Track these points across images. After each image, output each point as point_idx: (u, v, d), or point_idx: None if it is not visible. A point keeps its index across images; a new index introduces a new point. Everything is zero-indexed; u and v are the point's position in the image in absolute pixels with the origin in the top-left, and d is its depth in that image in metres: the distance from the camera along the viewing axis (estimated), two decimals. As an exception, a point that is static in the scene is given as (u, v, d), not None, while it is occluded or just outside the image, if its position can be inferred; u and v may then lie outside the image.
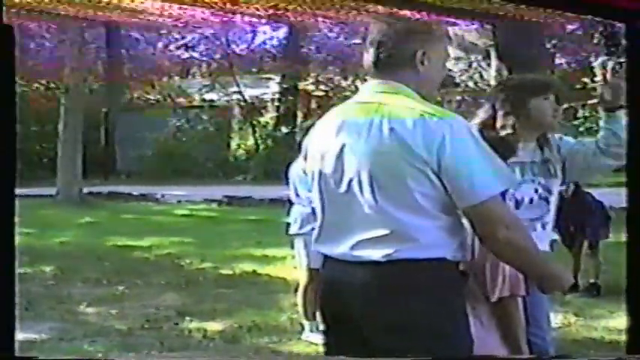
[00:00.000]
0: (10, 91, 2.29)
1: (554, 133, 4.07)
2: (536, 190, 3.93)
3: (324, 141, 2.90)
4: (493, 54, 11.34)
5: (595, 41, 31.43)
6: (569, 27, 28.87)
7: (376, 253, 2.72)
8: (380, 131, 2.72)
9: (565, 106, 4.26)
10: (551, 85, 4.11)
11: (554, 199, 4.01)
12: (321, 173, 2.89)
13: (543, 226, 3.95)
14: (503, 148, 3.38)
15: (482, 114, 4.00)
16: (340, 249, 2.82)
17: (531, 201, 3.90)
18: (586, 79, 26.71)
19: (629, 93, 2.73)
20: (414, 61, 2.83)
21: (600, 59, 27.27)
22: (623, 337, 6.17)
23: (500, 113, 3.91)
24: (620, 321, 6.74)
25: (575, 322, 6.75)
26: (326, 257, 2.94)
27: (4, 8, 2.04)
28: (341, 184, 2.81)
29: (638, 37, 2.49)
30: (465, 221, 2.83)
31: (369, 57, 2.89)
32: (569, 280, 3.07)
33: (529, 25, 10.94)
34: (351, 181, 2.78)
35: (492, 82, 10.88)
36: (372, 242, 2.74)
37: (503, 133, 3.85)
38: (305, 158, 3.05)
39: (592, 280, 7.92)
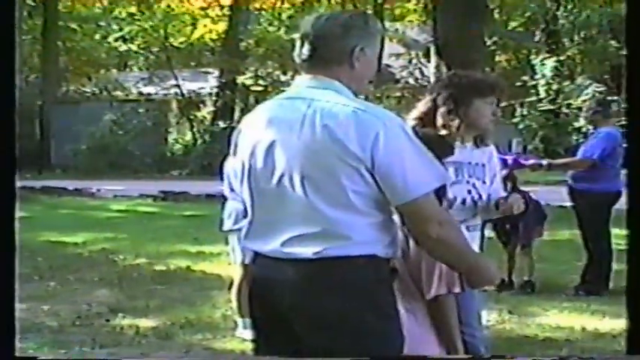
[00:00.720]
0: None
1: (488, 136, 4.05)
2: (469, 192, 3.92)
3: (254, 136, 2.86)
4: (433, 50, 11.38)
5: (536, 39, 31.93)
6: (511, 24, 29.29)
7: (307, 251, 2.70)
8: (313, 127, 2.69)
9: (504, 104, 4.28)
10: (497, 87, 4.09)
11: (483, 202, 4.00)
12: (250, 169, 2.84)
13: (474, 227, 3.95)
14: (440, 146, 3.36)
15: (422, 107, 3.98)
16: (270, 246, 2.79)
17: (464, 202, 3.89)
18: (525, 77, 27.14)
19: (628, 94, 2.73)
20: (351, 57, 2.80)
21: (541, 57, 27.78)
22: (558, 334, 6.29)
23: (442, 110, 3.90)
24: (553, 318, 6.83)
25: (510, 320, 6.78)
26: (256, 254, 2.90)
27: None
28: (271, 180, 2.77)
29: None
30: (396, 218, 2.82)
31: (303, 51, 2.84)
32: (497, 275, 3.07)
33: (470, 21, 11.03)
34: (282, 177, 2.75)
35: (432, 79, 10.92)
36: (303, 239, 2.71)
37: (443, 131, 3.84)
38: (234, 153, 3.00)
39: (526, 278, 8.00)
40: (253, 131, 2.87)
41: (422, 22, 27.97)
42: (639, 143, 2.49)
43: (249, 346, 5.84)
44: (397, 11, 28.45)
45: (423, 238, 2.77)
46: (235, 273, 6.34)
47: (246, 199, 2.91)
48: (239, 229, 6.01)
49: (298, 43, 2.87)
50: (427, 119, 3.89)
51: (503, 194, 4.13)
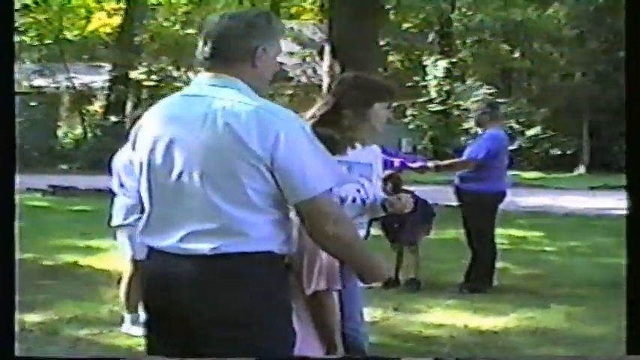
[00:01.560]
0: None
1: (369, 139, 4.14)
2: (358, 191, 4.00)
3: (154, 132, 2.86)
4: (327, 49, 11.46)
5: (429, 41, 32.47)
6: (405, 25, 29.70)
7: (204, 247, 2.72)
8: (214, 125, 2.71)
9: (395, 104, 4.36)
10: (395, 92, 4.19)
11: (370, 201, 4.08)
12: (150, 164, 2.85)
13: (360, 225, 4.03)
14: (335, 146, 3.42)
15: (323, 106, 4.03)
16: (168, 241, 2.80)
17: (354, 200, 3.97)
18: (417, 78, 27.59)
19: (627, 96, 2.77)
20: (253, 56, 2.84)
21: (433, 58, 28.26)
22: (441, 331, 6.45)
23: (347, 111, 3.95)
24: (438, 316, 6.99)
25: (395, 317, 6.90)
26: (151, 249, 2.90)
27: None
28: (171, 176, 2.79)
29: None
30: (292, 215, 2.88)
31: (206, 50, 2.87)
32: (388, 271, 3.16)
33: (365, 22, 11.14)
34: (181, 173, 2.77)
35: (325, 78, 10.98)
36: (201, 235, 2.74)
37: (348, 133, 3.91)
38: (133, 149, 2.99)
39: (412, 276, 8.15)
40: (154, 127, 2.88)
41: (317, 20, 28.12)
42: (639, 143, 2.55)
43: (136, 342, 5.83)
44: (293, 9, 28.55)
45: (319, 235, 2.81)
46: (125, 268, 6.29)
47: (144, 194, 2.92)
48: (128, 225, 5.98)
49: (201, 42, 2.89)
50: (327, 118, 3.93)
51: (382, 194, 4.22)
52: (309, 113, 3.99)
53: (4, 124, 2.51)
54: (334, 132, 3.80)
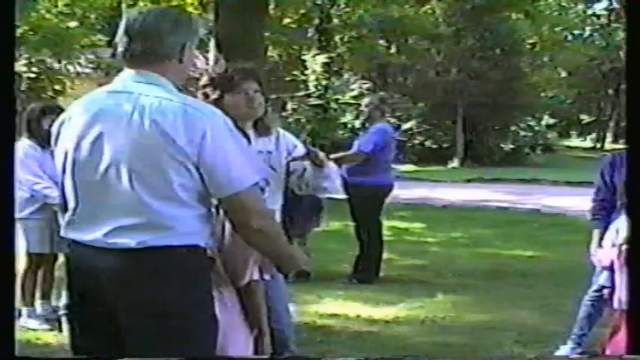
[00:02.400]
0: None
1: (269, 124, 4.19)
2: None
3: (79, 128, 2.86)
4: (212, 43, 11.43)
5: (309, 36, 32.67)
6: (285, 20, 29.77)
7: (131, 241, 2.75)
8: (141, 122, 2.74)
9: (273, 96, 4.39)
10: (247, 76, 4.15)
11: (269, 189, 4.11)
12: (75, 161, 2.86)
13: None
14: None
15: None
16: (93, 235, 2.81)
17: (262, 190, 3.99)
18: (296, 72, 27.71)
19: (628, 95, 2.80)
20: (181, 53, 2.90)
21: (312, 53, 28.42)
22: (333, 321, 6.53)
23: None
24: (329, 306, 7.09)
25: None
26: (76, 243, 2.90)
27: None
28: (97, 172, 2.80)
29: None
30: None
31: (132, 47, 2.88)
32: (304, 261, 3.25)
33: (249, 16, 11.14)
34: (107, 169, 2.78)
35: (210, 71, 10.96)
36: (128, 230, 2.77)
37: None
38: (56, 144, 2.98)
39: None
40: (79, 124, 2.87)
41: (199, 14, 27.94)
42: (639, 143, 2.61)
43: (33, 335, 5.74)
44: (174, 2, 28.28)
45: (244, 229, 2.89)
46: (20, 262, 6.15)
47: (68, 190, 2.91)
48: (22, 219, 5.86)
49: (124, 38, 2.89)
50: None
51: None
52: None
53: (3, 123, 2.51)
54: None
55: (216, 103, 3.93)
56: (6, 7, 2.48)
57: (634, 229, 2.84)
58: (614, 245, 5.19)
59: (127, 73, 2.91)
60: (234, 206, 2.85)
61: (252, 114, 4.12)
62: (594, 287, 5.78)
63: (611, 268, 5.36)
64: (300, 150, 4.29)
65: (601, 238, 5.59)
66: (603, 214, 5.71)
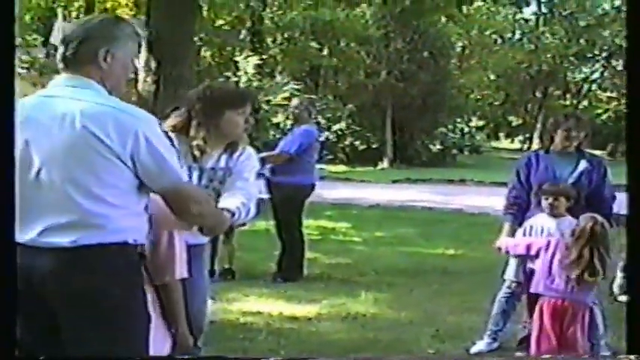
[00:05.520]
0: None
1: (241, 143, 4.23)
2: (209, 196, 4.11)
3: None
4: (144, 46, 11.40)
5: (241, 37, 32.70)
6: (218, 22, 29.72)
7: (63, 240, 2.88)
8: (73, 126, 2.86)
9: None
10: (248, 98, 4.29)
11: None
12: None
13: None
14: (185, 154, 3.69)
15: (177, 117, 4.16)
16: (29, 235, 2.91)
17: None
18: (229, 74, 27.74)
19: (629, 95, 2.85)
20: (97, 59, 3.01)
21: (244, 55, 28.46)
22: (257, 319, 6.63)
23: (194, 122, 4.09)
24: (254, 304, 7.19)
25: (212, 305, 7.00)
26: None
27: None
28: (30, 174, 2.91)
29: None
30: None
31: (62, 52, 3.04)
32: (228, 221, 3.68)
33: (181, 18, 11.14)
34: (40, 171, 2.90)
35: (141, 72, 10.92)
36: (60, 229, 2.89)
37: (194, 142, 4.05)
38: None
39: (227, 266, 8.31)
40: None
41: (132, 16, 27.76)
42: (639, 144, 2.67)
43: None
44: (108, 4, 28.03)
45: (185, 215, 3.19)
46: None
47: None
48: None
49: (59, 44, 3.07)
50: (182, 129, 4.09)
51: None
52: (168, 123, 4.11)
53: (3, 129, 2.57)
54: (185, 141, 4.03)
55: (215, 116, 4.05)
56: (6, 7, 2.54)
57: (634, 229, 2.86)
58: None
59: (60, 78, 3.05)
60: (173, 197, 3.08)
61: (243, 136, 4.21)
62: (506, 284, 6.01)
63: (525, 256, 5.61)
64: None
65: (512, 234, 5.83)
66: (516, 210, 5.94)
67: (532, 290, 5.40)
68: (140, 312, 3.08)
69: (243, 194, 4.00)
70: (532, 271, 5.52)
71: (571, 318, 5.24)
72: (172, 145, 3.15)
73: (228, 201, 3.91)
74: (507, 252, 5.76)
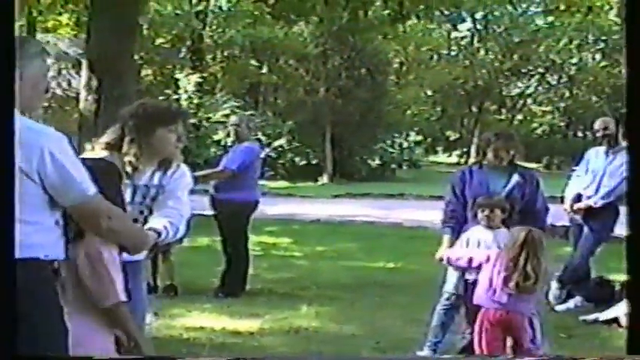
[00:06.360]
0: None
1: (175, 160, 4.29)
2: (141, 212, 4.19)
3: None
4: (85, 63, 11.39)
5: (181, 55, 32.69)
6: (158, 40, 29.69)
7: None
8: None
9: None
10: (180, 116, 4.34)
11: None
12: None
13: None
14: (109, 172, 3.70)
15: (111, 134, 4.18)
16: None
17: (135, 221, 4.10)
18: (169, 91, 27.70)
19: (628, 99, 2.88)
20: None
21: (185, 72, 28.44)
22: (200, 334, 6.68)
23: (126, 138, 4.11)
24: (196, 319, 7.24)
25: (155, 321, 7.03)
26: None
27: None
28: None
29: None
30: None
31: None
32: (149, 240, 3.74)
33: (121, 37, 11.16)
34: None
35: (82, 91, 10.93)
36: None
37: (126, 159, 4.09)
38: None
39: (168, 282, 8.34)
40: None
41: (73, 35, 27.60)
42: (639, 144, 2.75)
43: None
44: (50, 23, 27.87)
45: (96, 230, 3.25)
46: None
47: None
48: None
49: None
50: (115, 145, 4.11)
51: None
52: (102, 140, 4.15)
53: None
54: (119, 158, 4.06)
55: (147, 133, 4.09)
56: (6, 8, 2.58)
57: (633, 230, 2.91)
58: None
59: None
60: (82, 213, 3.16)
61: (175, 153, 4.25)
62: (445, 296, 6.18)
63: (466, 269, 5.78)
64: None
65: (452, 245, 6.01)
66: (454, 223, 6.12)
67: (475, 302, 5.56)
68: (54, 329, 3.10)
69: (173, 214, 4.10)
70: (472, 283, 5.70)
71: (513, 328, 5.43)
72: (83, 162, 3.18)
73: (156, 220, 4.00)
74: (449, 263, 5.94)
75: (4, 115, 2.68)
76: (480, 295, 5.49)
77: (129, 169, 4.08)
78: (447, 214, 6.19)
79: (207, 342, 6.48)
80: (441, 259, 5.97)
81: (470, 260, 5.66)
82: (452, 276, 6.10)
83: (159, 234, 3.87)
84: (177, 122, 4.22)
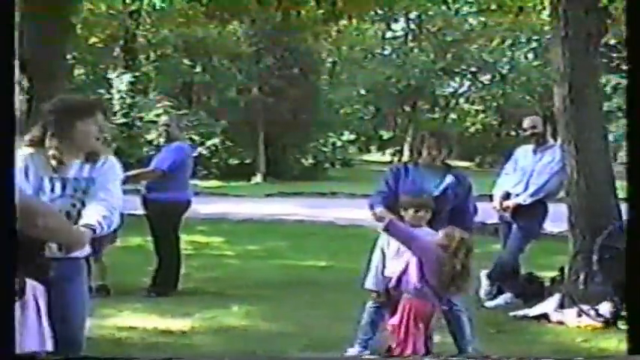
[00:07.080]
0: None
1: (99, 153, 4.31)
2: (74, 205, 4.20)
3: None
4: (17, 64, 11.27)
5: (114, 55, 32.43)
6: (91, 40, 29.40)
7: None
8: None
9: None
10: (97, 107, 4.39)
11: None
12: None
13: None
14: (42, 164, 3.88)
15: (34, 131, 4.24)
16: None
17: (68, 214, 4.12)
18: (102, 91, 27.46)
19: (628, 99, 2.89)
20: None
21: (117, 72, 28.22)
22: (132, 333, 6.72)
23: (48, 133, 4.18)
24: (128, 319, 7.27)
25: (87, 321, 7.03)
26: None
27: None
28: None
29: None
30: None
31: None
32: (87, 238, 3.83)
33: (54, 37, 11.06)
34: None
35: (17, 95, 10.83)
36: None
37: (49, 152, 4.15)
38: None
39: (100, 282, 8.34)
40: None
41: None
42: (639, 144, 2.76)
43: None
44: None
45: (32, 229, 3.30)
46: None
47: None
48: None
49: None
50: (39, 141, 4.18)
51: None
52: (26, 137, 4.22)
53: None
54: (43, 152, 4.13)
55: (66, 127, 4.15)
56: (6, 8, 2.60)
57: (633, 229, 2.90)
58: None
59: None
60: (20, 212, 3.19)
61: (97, 145, 4.29)
62: (374, 294, 6.26)
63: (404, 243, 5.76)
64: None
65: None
66: (384, 199, 6.13)
67: (402, 288, 5.60)
68: None
69: (105, 205, 4.11)
70: (390, 279, 5.78)
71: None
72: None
73: (88, 216, 4.06)
74: (387, 229, 5.67)
75: (4, 114, 2.72)
76: (407, 283, 5.53)
77: (54, 162, 4.14)
78: (376, 198, 6.18)
79: (139, 342, 6.53)
80: (382, 218, 5.79)
81: (412, 238, 5.56)
82: (371, 272, 6.11)
83: (94, 230, 3.92)
84: (95, 114, 4.28)
